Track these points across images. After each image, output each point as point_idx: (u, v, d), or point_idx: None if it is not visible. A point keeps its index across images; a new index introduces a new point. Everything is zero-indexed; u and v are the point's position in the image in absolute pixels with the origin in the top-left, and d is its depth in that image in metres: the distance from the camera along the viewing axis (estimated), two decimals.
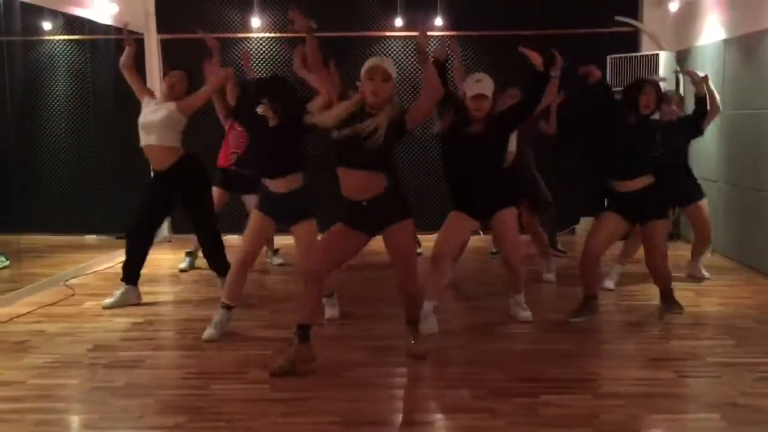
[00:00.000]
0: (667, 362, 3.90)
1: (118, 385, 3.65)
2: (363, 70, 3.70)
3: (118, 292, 5.13)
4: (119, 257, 5.30)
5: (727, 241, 6.28)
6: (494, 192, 4.49)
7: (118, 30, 6.34)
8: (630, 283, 5.51)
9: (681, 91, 6.80)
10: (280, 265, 6.38)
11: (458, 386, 3.58)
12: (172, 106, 5.00)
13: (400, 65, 7.66)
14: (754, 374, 3.68)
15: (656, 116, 5.05)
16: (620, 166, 4.47)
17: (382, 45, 7.66)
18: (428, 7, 7.42)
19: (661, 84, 5.16)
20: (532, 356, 4.04)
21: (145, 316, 4.87)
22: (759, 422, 3.18)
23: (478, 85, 4.30)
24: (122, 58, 5.14)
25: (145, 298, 5.22)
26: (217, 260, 5.27)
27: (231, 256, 4.79)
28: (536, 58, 4.21)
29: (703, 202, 5.51)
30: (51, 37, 7.16)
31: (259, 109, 4.39)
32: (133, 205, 5.28)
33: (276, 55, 7.70)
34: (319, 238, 4.21)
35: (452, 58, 5.20)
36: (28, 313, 4.93)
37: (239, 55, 7.61)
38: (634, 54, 7.27)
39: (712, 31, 6.62)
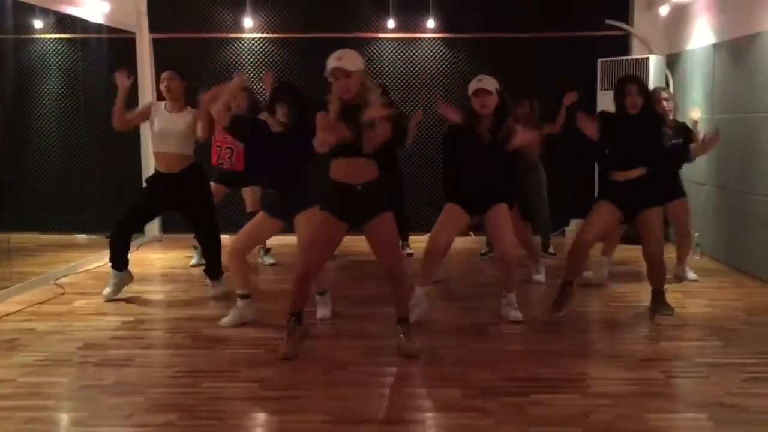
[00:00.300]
0: (655, 362, 3.93)
1: (107, 383, 3.64)
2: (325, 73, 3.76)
3: (112, 281, 5.20)
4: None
5: (716, 243, 6.32)
6: (491, 188, 4.55)
7: (110, 31, 6.32)
8: (619, 284, 5.55)
9: (671, 89, 6.83)
10: (272, 265, 6.38)
11: (449, 385, 3.59)
12: (189, 117, 5.08)
13: (391, 67, 7.70)
14: (742, 375, 3.70)
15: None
16: (620, 157, 4.56)
17: (375, 46, 7.68)
18: (420, 8, 7.46)
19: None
20: (522, 356, 4.06)
21: (135, 314, 4.86)
22: (745, 422, 3.21)
23: (479, 83, 4.39)
24: (113, 118, 5.07)
25: (135, 297, 5.22)
26: (213, 265, 5.33)
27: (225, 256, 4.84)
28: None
29: (685, 200, 5.53)
30: (42, 36, 7.12)
31: (264, 117, 4.44)
32: (124, 204, 5.28)
33: (268, 55, 7.70)
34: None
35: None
36: (17, 311, 4.92)
37: (231, 55, 7.68)
38: (624, 57, 7.31)
39: (702, 35, 6.66)
